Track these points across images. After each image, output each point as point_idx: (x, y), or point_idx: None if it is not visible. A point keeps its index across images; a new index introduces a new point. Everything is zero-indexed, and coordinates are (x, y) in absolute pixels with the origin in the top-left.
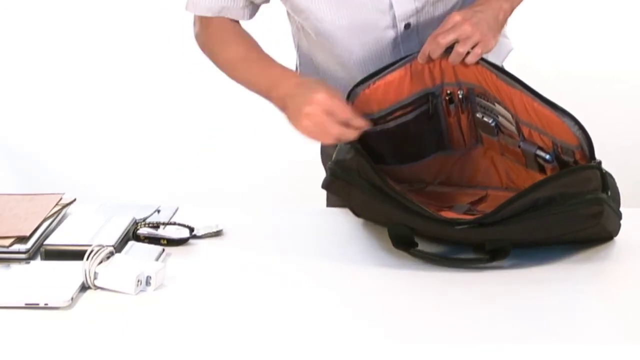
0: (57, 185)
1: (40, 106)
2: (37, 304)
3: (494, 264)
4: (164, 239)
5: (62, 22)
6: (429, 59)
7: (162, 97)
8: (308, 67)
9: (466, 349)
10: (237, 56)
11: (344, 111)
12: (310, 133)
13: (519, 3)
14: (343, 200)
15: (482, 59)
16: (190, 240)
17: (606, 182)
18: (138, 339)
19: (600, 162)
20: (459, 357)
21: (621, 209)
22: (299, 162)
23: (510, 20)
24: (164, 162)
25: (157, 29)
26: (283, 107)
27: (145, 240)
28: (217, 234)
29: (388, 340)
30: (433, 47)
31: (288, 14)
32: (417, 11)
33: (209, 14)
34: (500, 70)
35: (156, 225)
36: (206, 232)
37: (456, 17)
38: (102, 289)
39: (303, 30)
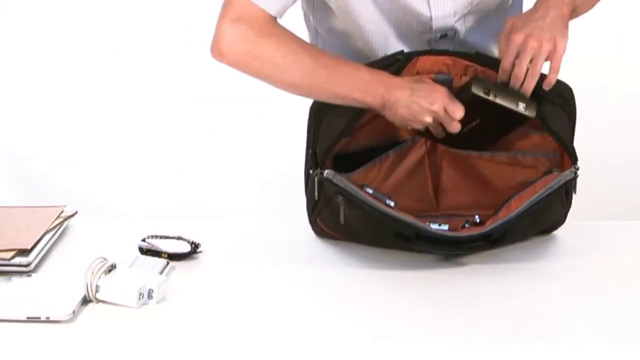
0: (58, 197)
1: (40, 118)
2: (39, 318)
3: (490, 264)
4: (165, 252)
5: (59, 31)
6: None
7: (162, 105)
8: None
9: (462, 350)
10: (316, 66)
11: (459, 109)
12: (427, 126)
13: (581, 9)
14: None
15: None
16: (195, 254)
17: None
18: (140, 353)
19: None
20: (455, 357)
21: (625, 221)
22: (300, 168)
23: None
24: (166, 173)
25: (157, 36)
26: (392, 105)
27: (149, 253)
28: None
29: (393, 345)
30: (513, 81)
31: (305, 15)
32: (455, 27)
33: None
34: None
35: (161, 238)
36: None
37: (517, 37)
38: (103, 302)
39: (318, 34)
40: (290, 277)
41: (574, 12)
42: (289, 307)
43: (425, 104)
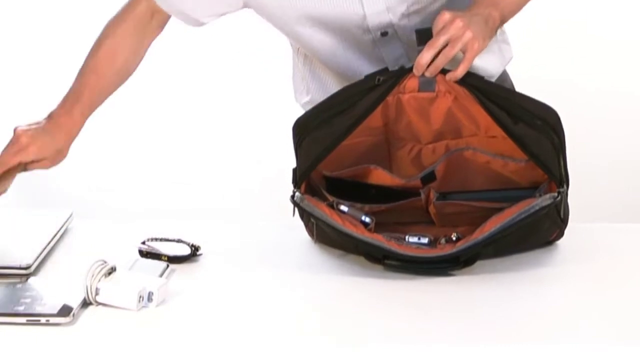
0: (58, 199)
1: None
2: (39, 320)
3: (487, 267)
4: (165, 255)
5: (59, 31)
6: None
7: (162, 106)
8: (315, 81)
9: (460, 353)
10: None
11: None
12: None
13: (508, 16)
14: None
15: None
16: (195, 257)
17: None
18: (140, 356)
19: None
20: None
21: (623, 224)
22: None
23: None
24: (166, 174)
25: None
26: None
27: (148, 256)
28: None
29: (391, 347)
30: (426, 55)
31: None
32: (393, 23)
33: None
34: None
35: (161, 240)
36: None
37: (446, 15)
38: (103, 305)
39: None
40: (290, 280)
41: (503, 21)
42: (289, 310)
43: None
